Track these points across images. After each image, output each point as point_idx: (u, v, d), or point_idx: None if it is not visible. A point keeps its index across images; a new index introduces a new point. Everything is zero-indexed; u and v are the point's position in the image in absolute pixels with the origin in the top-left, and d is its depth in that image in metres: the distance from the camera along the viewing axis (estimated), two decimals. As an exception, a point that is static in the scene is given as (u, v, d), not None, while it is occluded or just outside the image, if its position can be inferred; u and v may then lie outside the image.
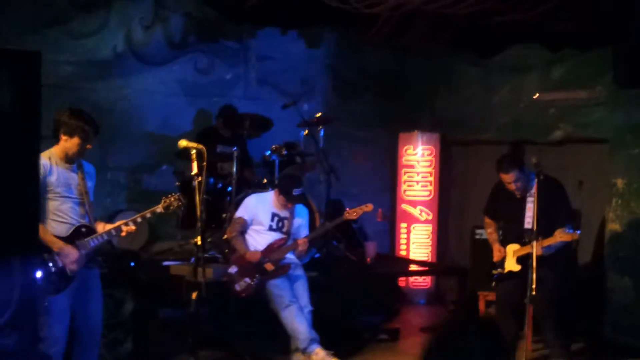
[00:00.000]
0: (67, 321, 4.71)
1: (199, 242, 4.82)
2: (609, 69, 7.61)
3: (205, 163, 4.98)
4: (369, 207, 6.42)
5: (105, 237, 4.86)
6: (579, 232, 5.84)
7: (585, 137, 8.21)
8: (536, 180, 5.80)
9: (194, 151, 4.92)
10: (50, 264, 4.59)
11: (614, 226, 7.50)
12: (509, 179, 6.15)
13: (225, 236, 6.79)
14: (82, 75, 8.06)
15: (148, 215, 4.98)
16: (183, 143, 4.99)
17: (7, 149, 3.67)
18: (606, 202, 7.62)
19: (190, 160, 4.99)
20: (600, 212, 7.75)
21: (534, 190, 6.05)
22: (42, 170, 4.51)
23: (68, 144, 4.72)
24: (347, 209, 6.44)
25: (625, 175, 7.47)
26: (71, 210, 4.77)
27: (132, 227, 4.93)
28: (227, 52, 9.06)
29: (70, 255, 4.65)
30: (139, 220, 4.95)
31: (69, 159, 4.79)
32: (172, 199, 5.02)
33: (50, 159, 4.72)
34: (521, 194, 6.20)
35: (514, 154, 8.17)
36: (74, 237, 4.74)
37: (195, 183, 4.86)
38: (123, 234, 4.92)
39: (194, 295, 4.77)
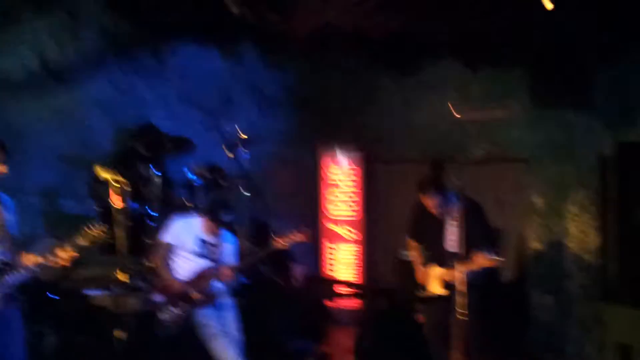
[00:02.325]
0: None
1: (124, 279, 4.63)
2: (525, 88, 7.77)
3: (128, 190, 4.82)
4: (298, 236, 6.30)
5: (25, 274, 4.60)
6: (498, 257, 5.85)
7: (504, 155, 8.35)
8: (459, 202, 5.83)
9: (117, 184, 4.74)
10: None
11: (534, 244, 7.66)
12: (431, 203, 6.17)
13: (147, 264, 6.59)
14: (-6, 97, 7.74)
15: (70, 248, 4.71)
16: (102, 173, 4.81)
17: None
18: (526, 221, 7.76)
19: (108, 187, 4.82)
20: (521, 230, 7.89)
21: (454, 212, 6.09)
22: None
23: None
24: (277, 238, 6.29)
25: (544, 194, 7.64)
26: None
27: (54, 262, 4.67)
28: (145, 69, 8.84)
29: None
30: (61, 254, 4.67)
31: None
32: (96, 231, 4.76)
33: None
34: (443, 216, 6.23)
35: (434, 172, 8.24)
36: None
37: (117, 217, 4.67)
38: (51, 264, 4.66)
39: (118, 333, 4.58)
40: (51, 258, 4.64)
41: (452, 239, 6.09)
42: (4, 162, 4.53)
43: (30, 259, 4.67)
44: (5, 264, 4.57)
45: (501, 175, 8.42)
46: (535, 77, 7.77)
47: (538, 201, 7.68)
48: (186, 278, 6.15)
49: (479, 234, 5.94)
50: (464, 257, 5.74)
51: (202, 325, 5.98)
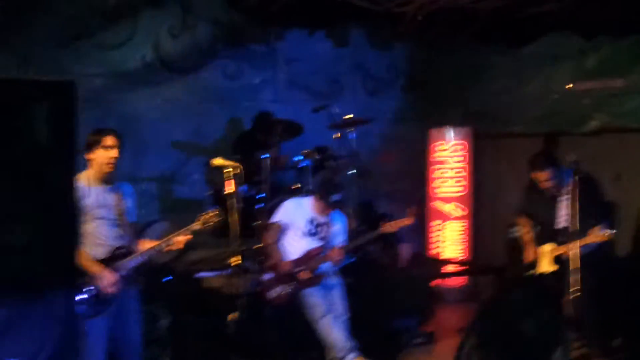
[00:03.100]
0: (105, 344, 4.72)
1: (237, 262, 4.80)
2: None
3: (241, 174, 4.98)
4: (407, 221, 6.33)
5: (144, 257, 4.85)
6: (614, 231, 5.68)
7: (621, 126, 8.05)
8: (574, 178, 5.66)
9: (230, 169, 4.91)
10: (88, 288, 4.59)
11: (653, 217, 7.36)
12: (543, 177, 6.04)
13: (258, 245, 6.78)
14: (112, 87, 8.13)
15: (187, 233, 4.95)
16: (217, 162, 4.99)
17: (44, 183, 3.68)
18: (645, 193, 7.48)
19: (222, 174, 5.00)
20: (638, 204, 7.59)
21: (568, 188, 5.95)
22: (78, 194, 4.53)
23: (95, 160, 4.74)
24: (386, 222, 6.34)
25: (664, 164, 7.33)
26: (108, 232, 4.77)
27: (172, 247, 4.92)
28: (255, 56, 9.06)
29: (107, 279, 4.65)
30: (176, 238, 4.92)
31: (105, 179, 4.79)
32: (210, 215, 4.98)
33: (87, 181, 4.73)
34: (555, 192, 6.09)
35: (547, 148, 8.04)
36: (112, 259, 4.74)
37: (229, 202, 4.84)
38: (166, 249, 4.92)
39: (232, 316, 4.76)
40: (167, 243, 4.87)
41: (564, 214, 5.96)
42: (117, 147, 4.78)
43: (147, 244, 4.92)
44: (126, 248, 4.81)
45: (619, 147, 8.12)
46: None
47: (658, 172, 7.37)
48: (296, 258, 6.29)
49: (593, 209, 5.77)
50: (577, 232, 5.59)
51: (310, 304, 6.10)
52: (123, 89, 8.20)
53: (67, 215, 3.77)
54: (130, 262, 4.78)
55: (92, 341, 4.58)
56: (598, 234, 5.64)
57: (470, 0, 8.24)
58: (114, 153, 4.76)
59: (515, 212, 6.61)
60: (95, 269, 4.64)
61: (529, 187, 6.41)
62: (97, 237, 4.73)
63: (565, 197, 6.00)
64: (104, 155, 4.73)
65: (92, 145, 4.73)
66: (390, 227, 6.30)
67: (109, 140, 4.75)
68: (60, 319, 3.75)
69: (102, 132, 4.78)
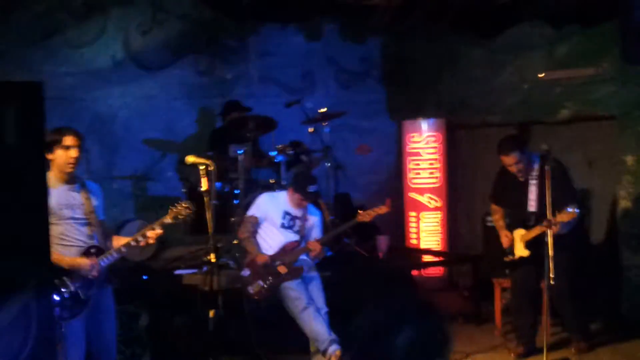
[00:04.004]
0: (83, 346, 4.67)
1: (213, 259, 4.77)
2: (614, 45, 7.51)
3: (213, 171, 4.95)
4: (383, 209, 6.35)
5: (116, 255, 4.78)
6: (577, 210, 5.71)
7: (592, 114, 8.11)
8: (545, 165, 5.71)
9: (202, 167, 4.88)
10: (64, 290, 4.52)
11: (625, 204, 7.43)
12: (510, 160, 6.10)
13: (235, 240, 6.77)
14: (83, 86, 8.07)
15: (157, 227, 4.86)
16: (191, 159, 4.97)
17: (15, 184, 3.62)
18: (617, 180, 7.54)
19: (196, 171, 4.97)
20: (611, 190, 7.67)
21: (536, 173, 6.01)
22: None
23: (55, 161, 4.63)
24: (360, 211, 6.36)
25: (635, 151, 7.38)
26: (77, 232, 4.69)
27: (143, 242, 4.84)
28: (227, 51, 9.02)
29: (84, 266, 4.59)
30: (149, 233, 4.84)
31: (68, 178, 4.70)
32: (180, 207, 4.90)
33: (48, 182, 4.54)
34: (524, 177, 6.14)
35: (520, 135, 8.10)
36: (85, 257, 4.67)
37: (204, 199, 4.81)
38: (142, 244, 4.85)
39: (212, 313, 4.73)
40: (139, 239, 4.80)
41: (533, 198, 6.02)
42: (78, 147, 4.69)
43: (121, 241, 4.85)
44: (98, 248, 4.74)
45: (590, 134, 8.18)
46: (623, 33, 7.47)
47: (629, 159, 7.42)
48: (273, 251, 6.28)
49: (561, 193, 5.83)
50: (545, 216, 5.64)
51: (290, 298, 6.09)
52: (94, 87, 8.14)
53: (40, 216, 3.73)
54: (102, 261, 4.70)
55: (71, 344, 4.53)
56: (564, 214, 5.68)
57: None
58: (75, 153, 4.65)
59: (488, 200, 6.65)
60: (67, 261, 4.56)
61: (499, 173, 6.47)
62: (65, 239, 4.64)
63: (534, 181, 6.06)
64: (64, 155, 4.63)
65: (51, 145, 4.61)
66: (366, 216, 6.33)
67: (69, 139, 4.64)
68: (37, 321, 3.70)
69: (61, 131, 4.67)
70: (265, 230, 6.42)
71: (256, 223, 6.41)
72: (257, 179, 8.01)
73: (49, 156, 4.62)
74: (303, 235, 6.40)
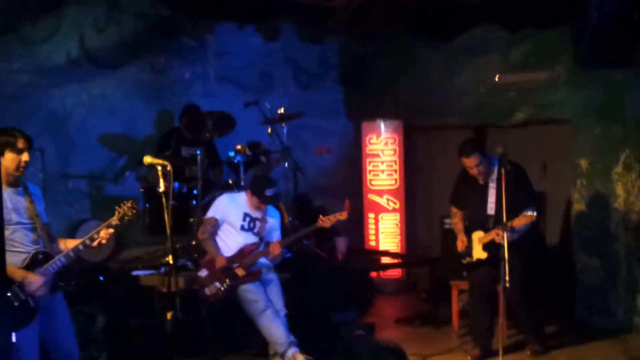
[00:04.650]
0: (37, 353, 4.50)
1: (171, 261, 4.70)
2: (568, 49, 7.61)
3: (170, 172, 4.88)
4: (344, 215, 6.29)
5: (64, 260, 4.59)
6: (535, 213, 5.83)
7: (547, 118, 8.23)
8: (502, 169, 5.78)
9: (160, 167, 4.81)
10: (12, 298, 4.33)
11: (579, 207, 7.54)
12: (471, 163, 6.15)
13: (194, 241, 6.71)
14: (38, 83, 7.92)
15: (105, 229, 4.70)
16: (148, 159, 4.90)
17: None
18: (571, 183, 7.65)
19: (154, 171, 4.90)
20: (566, 193, 7.79)
21: (495, 176, 6.09)
22: None
23: (5, 164, 4.43)
24: (321, 216, 6.30)
25: (589, 155, 7.50)
26: (24, 237, 4.51)
27: (92, 244, 4.67)
28: (184, 50, 8.96)
29: (34, 283, 4.41)
30: (96, 236, 4.67)
31: (14, 182, 4.52)
32: (125, 208, 4.72)
33: None
34: (484, 179, 6.21)
35: (476, 138, 8.19)
36: (32, 265, 4.48)
37: (163, 199, 4.74)
38: (92, 246, 4.68)
39: (169, 315, 4.67)
40: (87, 242, 4.64)
41: (492, 201, 6.09)
42: (27, 151, 4.57)
43: (69, 243, 4.71)
44: (45, 253, 4.57)
45: (545, 138, 8.33)
46: (576, 37, 7.59)
47: (582, 163, 7.54)
48: (232, 253, 6.23)
49: (520, 195, 5.92)
50: (501, 219, 5.71)
51: (248, 300, 6.05)
52: (49, 84, 7.99)
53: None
54: (51, 267, 4.52)
55: (24, 353, 4.35)
56: (523, 216, 5.77)
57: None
58: (27, 157, 4.50)
59: (448, 203, 6.70)
60: (19, 274, 4.39)
61: (460, 176, 6.52)
62: (13, 244, 4.45)
63: (493, 184, 6.13)
64: (15, 158, 4.45)
65: (1, 147, 4.43)
66: (326, 221, 6.29)
67: (21, 142, 4.47)
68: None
69: (12, 133, 4.49)
70: (224, 231, 6.37)
71: (215, 224, 6.36)
72: (216, 177, 7.96)
73: None
74: (262, 237, 6.36)
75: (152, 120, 8.65)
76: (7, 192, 4.48)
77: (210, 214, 6.40)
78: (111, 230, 4.71)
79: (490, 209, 6.17)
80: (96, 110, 8.27)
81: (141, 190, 7.46)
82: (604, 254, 7.24)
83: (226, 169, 7.98)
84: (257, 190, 6.29)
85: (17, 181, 4.57)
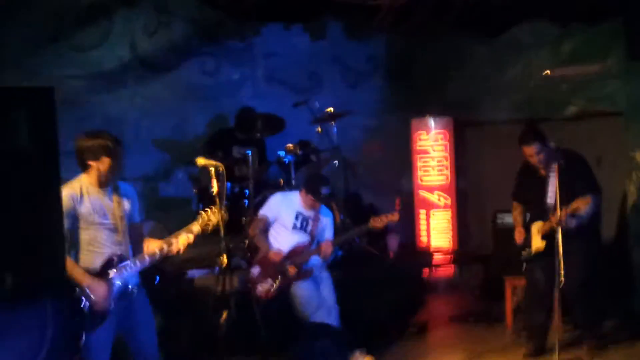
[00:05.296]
0: (107, 356, 4.53)
1: (225, 261, 4.73)
2: (619, 41, 7.56)
3: (223, 173, 4.91)
4: (395, 216, 6.32)
5: (139, 265, 4.60)
6: (590, 195, 5.74)
7: (599, 111, 8.13)
8: (560, 155, 5.74)
9: (212, 168, 4.86)
10: (83, 300, 4.36)
11: (635, 200, 7.43)
12: (531, 151, 6.02)
13: (247, 241, 6.77)
14: (90, 89, 8.07)
15: (185, 235, 4.67)
16: (201, 161, 4.95)
17: (28, 188, 3.62)
18: (626, 176, 7.54)
19: (206, 172, 4.94)
20: (621, 186, 7.67)
21: (555, 164, 5.98)
22: (70, 203, 4.35)
23: (100, 168, 4.48)
24: (373, 217, 6.33)
25: (645, 148, 7.40)
26: (106, 238, 4.53)
27: (172, 250, 4.66)
28: (232, 52, 9.03)
29: (98, 291, 4.39)
30: (175, 242, 4.65)
31: (103, 184, 4.54)
32: (210, 213, 4.70)
33: (80, 189, 4.48)
34: (544, 169, 6.07)
35: (536, 127, 8.08)
36: (106, 268, 4.50)
37: (217, 200, 4.76)
38: (172, 251, 4.67)
39: (224, 316, 4.71)
40: (165, 246, 4.62)
41: (552, 190, 5.97)
42: (121, 157, 4.58)
43: (151, 246, 4.67)
44: (119, 256, 4.55)
45: (597, 131, 8.18)
46: (628, 29, 7.49)
47: (638, 155, 7.42)
48: (284, 252, 6.27)
49: (580, 184, 5.85)
50: (564, 206, 5.65)
51: (301, 300, 6.09)
52: (102, 89, 8.15)
53: (53, 222, 3.72)
54: (124, 271, 4.53)
55: (93, 355, 4.41)
56: (580, 200, 5.70)
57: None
58: (120, 164, 4.57)
59: (510, 197, 6.58)
60: (86, 281, 4.38)
61: (521, 169, 6.43)
62: (95, 245, 4.50)
63: (554, 174, 6.02)
64: (110, 164, 4.49)
65: (97, 152, 4.48)
66: (378, 222, 6.30)
67: (117, 148, 4.54)
68: (52, 325, 3.69)
69: (109, 139, 4.53)
70: (276, 230, 6.41)
71: (266, 222, 6.41)
72: (267, 179, 8.01)
73: (91, 162, 4.49)
74: (314, 236, 6.39)
75: (203, 122, 8.75)
76: (94, 194, 4.52)
77: (263, 212, 6.45)
78: (191, 239, 4.68)
79: (550, 197, 6.02)
80: (149, 113, 8.41)
81: (194, 191, 7.54)
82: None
83: (277, 168, 8.03)
84: (313, 188, 6.32)
85: (107, 183, 4.58)
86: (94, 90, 8.08)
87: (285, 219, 6.37)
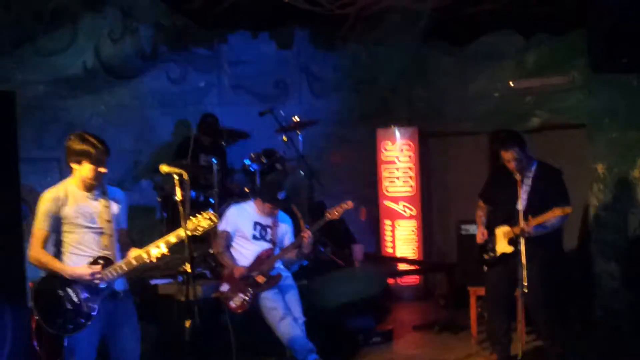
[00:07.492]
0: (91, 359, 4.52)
1: (189, 269, 4.68)
2: (582, 53, 7.62)
3: (187, 180, 4.87)
4: (349, 204, 6.31)
5: (125, 269, 4.57)
6: (562, 209, 5.72)
7: (562, 123, 8.23)
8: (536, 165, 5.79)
9: (176, 176, 4.81)
10: (66, 301, 4.38)
11: (597, 212, 7.53)
12: (509, 156, 5.98)
13: (211, 251, 6.73)
14: (55, 94, 7.98)
15: (173, 240, 4.66)
16: (165, 169, 4.90)
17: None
18: (587, 188, 7.63)
19: (170, 179, 4.89)
20: (583, 197, 7.75)
21: (532, 174, 5.99)
22: (52, 206, 4.40)
23: (81, 171, 4.49)
24: (327, 209, 6.35)
25: (605, 160, 7.50)
26: (92, 242, 4.54)
27: (158, 255, 4.65)
28: (199, 59, 8.99)
29: (85, 275, 4.40)
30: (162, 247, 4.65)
31: (87, 187, 4.55)
32: (201, 219, 4.66)
33: (66, 191, 4.49)
34: (520, 175, 6.07)
35: (517, 132, 8.12)
36: None
37: (180, 208, 4.72)
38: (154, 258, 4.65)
39: (188, 323, 4.66)
40: (144, 254, 4.61)
41: (524, 197, 5.96)
42: (105, 162, 4.58)
43: (130, 255, 4.62)
44: (107, 259, 4.53)
45: (560, 143, 8.27)
46: (591, 41, 7.57)
47: (599, 167, 7.53)
48: (248, 262, 6.24)
49: (554, 194, 5.86)
50: (534, 214, 5.69)
51: (268, 307, 6.05)
52: (66, 95, 8.05)
53: (12, 226, 3.67)
54: (109, 274, 4.51)
55: (78, 357, 4.42)
56: (553, 211, 5.70)
57: (412, 0, 8.36)
58: (104, 169, 4.56)
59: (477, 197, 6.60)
60: (66, 270, 4.39)
61: (493, 172, 6.47)
62: (80, 248, 4.51)
63: (529, 181, 6.02)
64: (91, 169, 4.50)
65: (79, 156, 4.49)
66: (334, 213, 6.30)
67: (100, 154, 4.53)
68: (10, 333, 3.64)
69: (91, 143, 4.53)
70: (238, 242, 6.38)
71: (228, 237, 6.38)
72: (232, 186, 7.98)
73: (74, 165, 4.51)
74: (275, 243, 6.38)
75: (168, 129, 8.69)
76: (79, 197, 4.52)
77: (222, 227, 6.38)
78: (171, 243, 4.65)
79: (521, 204, 6.03)
80: (113, 119, 8.31)
81: (158, 199, 7.48)
82: (622, 259, 7.22)
83: (242, 176, 8.00)
84: (270, 195, 6.31)
85: (91, 187, 4.58)
86: (57, 96, 7.98)
87: (244, 230, 6.34)
